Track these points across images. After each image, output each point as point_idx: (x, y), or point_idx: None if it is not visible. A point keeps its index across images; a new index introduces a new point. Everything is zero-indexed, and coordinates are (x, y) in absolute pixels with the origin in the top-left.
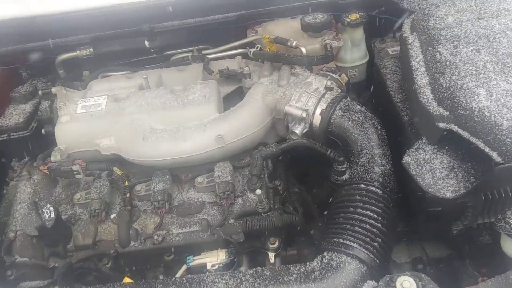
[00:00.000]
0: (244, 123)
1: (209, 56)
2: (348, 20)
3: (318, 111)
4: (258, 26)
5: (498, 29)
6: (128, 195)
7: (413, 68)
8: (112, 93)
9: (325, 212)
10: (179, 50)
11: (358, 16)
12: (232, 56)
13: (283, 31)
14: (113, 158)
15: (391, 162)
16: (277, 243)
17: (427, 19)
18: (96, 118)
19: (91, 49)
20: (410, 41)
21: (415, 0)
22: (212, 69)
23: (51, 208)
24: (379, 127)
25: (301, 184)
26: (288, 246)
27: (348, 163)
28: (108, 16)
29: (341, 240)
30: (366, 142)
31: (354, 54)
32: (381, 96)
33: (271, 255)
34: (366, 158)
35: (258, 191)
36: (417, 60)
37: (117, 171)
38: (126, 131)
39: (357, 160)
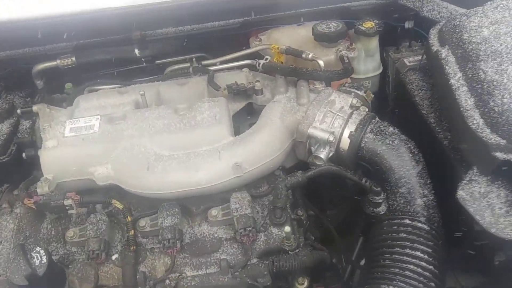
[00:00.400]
0: (263, 148)
1: (211, 68)
2: (363, 28)
3: (346, 133)
4: (262, 33)
5: None
6: (132, 232)
7: (453, 87)
8: (104, 112)
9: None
10: (172, 59)
11: (373, 24)
12: (236, 68)
13: (291, 40)
14: (108, 187)
15: (433, 192)
16: (306, 283)
17: (460, 32)
18: (88, 143)
19: (73, 58)
20: (443, 55)
21: (435, 9)
22: (218, 84)
23: (42, 252)
24: (416, 152)
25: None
26: (314, 282)
27: (385, 194)
28: (93, 22)
29: None
30: (404, 170)
31: (368, 65)
32: (407, 114)
33: None
34: (406, 188)
35: (287, 228)
36: (456, 78)
37: (117, 204)
38: (127, 159)
39: (396, 190)
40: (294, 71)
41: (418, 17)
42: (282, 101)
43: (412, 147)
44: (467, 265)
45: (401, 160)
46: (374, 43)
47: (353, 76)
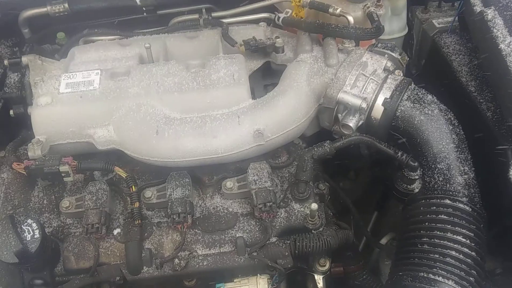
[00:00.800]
0: (287, 114)
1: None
2: None
3: (379, 100)
4: None
5: None
6: (137, 204)
7: (503, 53)
8: (104, 66)
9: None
10: (177, 10)
11: None
12: (252, 22)
13: None
14: (108, 152)
15: (473, 168)
16: (327, 265)
17: None
18: (88, 101)
19: (66, 5)
20: (489, 17)
21: None
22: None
23: (34, 225)
24: (456, 124)
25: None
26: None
27: (421, 169)
28: None
29: (431, 276)
30: (443, 143)
31: (393, 25)
32: (441, 81)
33: (319, 278)
34: (444, 164)
35: (314, 206)
36: (506, 42)
37: (121, 172)
38: (132, 121)
39: (433, 166)
40: (321, 27)
41: None
42: (308, 61)
43: (452, 118)
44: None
45: (440, 132)
46: (403, 0)
47: None
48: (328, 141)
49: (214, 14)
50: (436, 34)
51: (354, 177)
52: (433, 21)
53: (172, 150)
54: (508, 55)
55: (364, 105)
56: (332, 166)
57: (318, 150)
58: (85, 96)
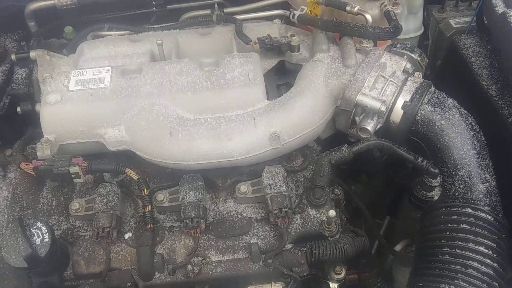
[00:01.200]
0: (304, 116)
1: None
2: None
3: (399, 103)
4: None
5: None
6: (149, 208)
7: None
8: (115, 63)
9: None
10: (188, 5)
11: None
12: (265, 19)
13: None
14: (119, 152)
15: (495, 176)
16: (343, 273)
17: None
18: (98, 99)
19: None
20: None
21: None
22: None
23: (44, 228)
24: (477, 130)
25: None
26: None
27: (441, 176)
28: None
29: None
30: (464, 150)
31: (409, 24)
32: (460, 84)
33: (334, 286)
34: (465, 171)
35: (332, 213)
36: None
37: (132, 174)
38: (145, 121)
39: (454, 173)
40: (339, 26)
41: None
42: (326, 61)
43: (473, 124)
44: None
45: (461, 138)
46: None
47: None
48: (346, 145)
49: (226, 10)
50: (454, 35)
51: (367, 180)
52: (450, 21)
53: (186, 152)
54: None
55: (383, 108)
56: (345, 169)
57: (336, 155)
58: (96, 94)
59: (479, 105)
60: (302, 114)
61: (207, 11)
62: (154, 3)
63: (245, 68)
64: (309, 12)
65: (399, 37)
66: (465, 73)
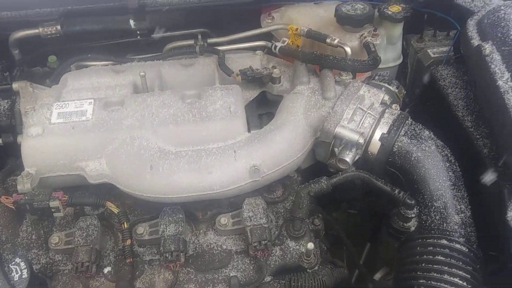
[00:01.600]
0: (284, 148)
1: (219, 48)
2: (389, 13)
3: (377, 135)
4: (275, 11)
5: None
6: (128, 242)
7: (501, 90)
8: (98, 94)
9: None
10: (172, 33)
11: (400, 8)
12: (248, 50)
13: (308, 21)
14: (100, 184)
15: (470, 207)
16: None
17: (506, 25)
18: (80, 132)
19: (59, 27)
20: (487, 51)
21: None
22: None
23: (22, 264)
24: (453, 161)
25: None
26: None
27: (418, 207)
28: None
29: None
30: (440, 181)
31: (388, 54)
32: (437, 114)
33: None
34: (441, 202)
35: (311, 245)
36: (504, 79)
37: (113, 208)
38: (125, 154)
39: (430, 204)
40: (319, 59)
41: (448, 4)
42: (305, 93)
43: (449, 155)
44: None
45: (437, 169)
46: (399, 30)
47: None
48: (325, 177)
49: (210, 41)
50: (432, 66)
51: (347, 207)
52: (428, 50)
53: (166, 186)
54: (506, 92)
55: (361, 140)
56: (325, 197)
57: (314, 187)
58: (78, 127)
59: (455, 136)
60: (281, 146)
61: (191, 42)
62: (138, 32)
63: (227, 101)
64: (291, 43)
65: (379, 65)
66: (442, 103)
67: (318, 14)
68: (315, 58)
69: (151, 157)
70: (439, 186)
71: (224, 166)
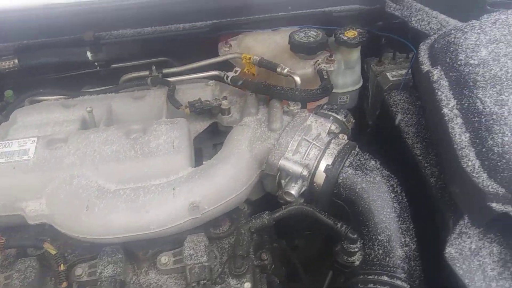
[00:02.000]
0: (226, 183)
1: (172, 79)
2: (345, 38)
3: (322, 166)
4: (232, 39)
5: None
6: (64, 285)
7: (446, 118)
8: (45, 131)
9: None
10: (131, 63)
11: (355, 33)
12: (201, 79)
13: (265, 48)
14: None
15: (415, 239)
16: None
17: (455, 50)
18: (21, 172)
19: (16, 61)
20: (435, 78)
21: (424, 18)
22: (179, 99)
23: None
24: (399, 191)
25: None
26: None
27: (361, 241)
28: (39, 19)
29: None
30: (384, 213)
31: (347, 78)
32: (390, 139)
33: None
34: (385, 235)
35: (248, 285)
36: (449, 106)
37: (50, 249)
38: (64, 194)
39: (374, 237)
40: (267, 89)
41: (405, 27)
42: (252, 125)
43: (394, 185)
44: None
45: (381, 201)
46: (356, 54)
47: None
48: (267, 212)
49: (165, 71)
50: (386, 91)
51: (309, 234)
52: (387, 74)
53: (102, 227)
54: (450, 120)
55: (305, 173)
56: (285, 226)
57: (256, 222)
58: (19, 167)
59: (406, 162)
60: (223, 181)
61: (146, 73)
62: (96, 63)
63: (171, 135)
64: (246, 71)
65: (338, 90)
66: (393, 130)
67: (275, 41)
68: (263, 88)
69: (88, 196)
70: (384, 218)
71: (161, 204)
